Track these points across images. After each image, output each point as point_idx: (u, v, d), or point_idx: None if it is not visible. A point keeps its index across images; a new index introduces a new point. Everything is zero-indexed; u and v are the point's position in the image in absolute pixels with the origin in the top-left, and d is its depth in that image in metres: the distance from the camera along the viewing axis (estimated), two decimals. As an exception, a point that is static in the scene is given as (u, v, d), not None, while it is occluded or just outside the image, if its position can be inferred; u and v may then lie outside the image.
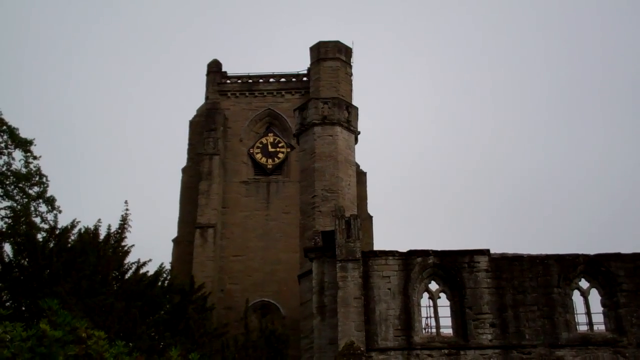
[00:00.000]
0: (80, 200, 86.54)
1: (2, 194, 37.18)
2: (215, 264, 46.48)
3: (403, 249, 27.06)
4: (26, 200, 37.24)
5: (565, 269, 26.64)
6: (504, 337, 25.64)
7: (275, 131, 52.66)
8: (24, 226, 30.98)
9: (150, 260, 31.65)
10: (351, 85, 46.24)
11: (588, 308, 26.67)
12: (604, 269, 26.62)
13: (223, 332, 33.32)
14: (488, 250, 27.01)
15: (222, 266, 47.79)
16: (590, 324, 26.41)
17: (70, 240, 30.06)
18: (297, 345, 32.77)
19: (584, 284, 26.99)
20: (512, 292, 26.28)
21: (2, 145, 37.53)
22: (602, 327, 26.29)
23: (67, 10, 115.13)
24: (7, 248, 29.53)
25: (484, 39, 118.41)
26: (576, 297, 26.75)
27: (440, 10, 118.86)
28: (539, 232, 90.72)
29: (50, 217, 37.07)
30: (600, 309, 26.56)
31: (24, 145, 37.85)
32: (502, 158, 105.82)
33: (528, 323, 25.83)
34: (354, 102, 38.79)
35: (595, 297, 26.81)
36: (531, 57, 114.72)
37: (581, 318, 26.48)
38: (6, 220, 35.60)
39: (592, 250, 26.98)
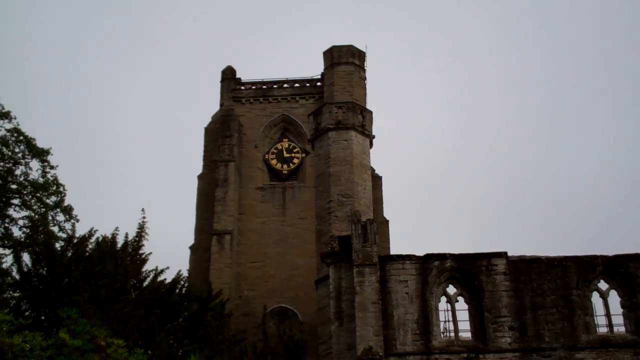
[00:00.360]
0: (98, 209, 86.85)
1: (20, 204, 37.40)
2: (232, 270, 46.52)
3: (420, 252, 27.08)
4: (44, 209, 37.42)
5: (584, 270, 26.50)
6: (523, 340, 25.52)
7: (290, 137, 52.68)
8: (42, 236, 31.11)
9: (167, 267, 31.67)
10: (365, 89, 46.20)
11: (607, 309, 26.51)
12: (623, 270, 26.45)
13: (241, 339, 33.28)
14: (506, 253, 26.91)
15: (239, 272, 47.82)
16: (610, 325, 26.24)
17: (88, 249, 30.14)
18: (316, 351, 32.71)
19: (603, 285, 26.84)
20: (531, 295, 26.16)
21: (19, 155, 37.75)
22: (622, 329, 26.11)
23: (83, 18, 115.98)
24: (26, 257, 29.66)
25: (496, 39, 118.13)
26: (595, 298, 26.62)
27: (454, 11, 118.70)
28: (556, 234, 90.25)
29: (68, 226, 37.23)
30: (620, 310, 26.37)
31: (41, 155, 38.04)
32: (518, 159, 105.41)
33: (547, 326, 25.69)
34: (368, 106, 38.76)
35: (614, 298, 26.64)
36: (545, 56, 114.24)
37: (601, 320, 26.35)
38: (24, 230, 35.81)
39: (610, 251, 26.85)
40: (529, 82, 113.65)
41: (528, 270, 26.60)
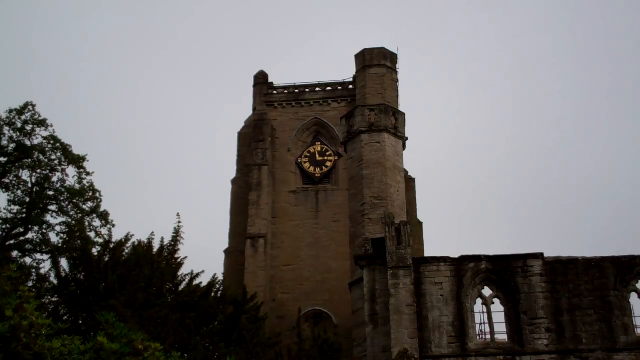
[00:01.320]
0: (134, 214, 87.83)
1: (57, 210, 37.97)
2: (266, 273, 46.71)
3: (455, 254, 26.92)
4: (80, 215, 37.91)
5: (622, 271, 26.15)
6: (561, 342, 25.25)
7: (323, 140, 52.75)
8: (79, 241, 31.54)
9: (203, 271, 31.93)
10: (397, 91, 46.14)
11: (646, 310, 26.12)
12: (662, 270, 26.05)
13: (276, 342, 33.42)
14: (542, 254, 26.64)
15: (274, 276, 47.98)
16: (649, 326, 25.86)
17: (124, 253, 30.49)
18: (351, 354, 32.71)
19: (641, 285, 26.46)
20: (568, 296, 25.87)
21: (56, 162, 38.34)
22: (662, 330, 25.71)
23: (117, 24, 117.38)
24: (64, 263, 30.15)
25: (527, 35, 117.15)
26: (634, 299, 26.24)
27: (486, 9, 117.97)
28: (592, 235, 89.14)
29: (104, 231, 37.68)
30: (659, 311, 25.99)
31: (77, 161, 38.57)
32: (553, 160, 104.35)
33: (585, 327, 25.38)
34: (401, 108, 38.71)
35: (653, 299, 26.26)
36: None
37: (639, 321, 25.95)
38: (62, 235, 36.36)
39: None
40: (551, 75, 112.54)
41: (565, 271, 26.32)
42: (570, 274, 26.27)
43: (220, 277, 34.98)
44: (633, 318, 25.81)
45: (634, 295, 26.26)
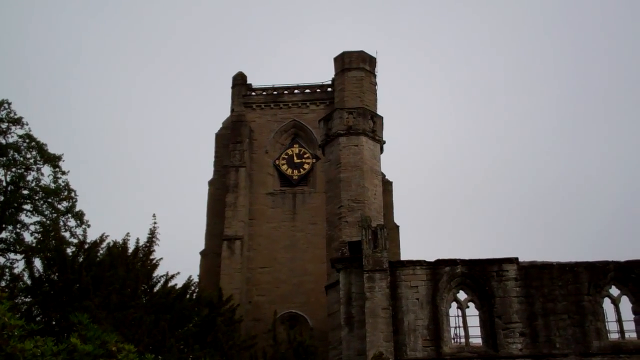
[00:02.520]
0: (109, 215, 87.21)
1: (31, 209, 37.63)
2: (242, 275, 46.59)
3: (430, 258, 27.00)
4: (55, 215, 37.63)
5: (596, 276, 26.37)
6: (534, 346, 25.41)
7: (301, 142, 52.77)
8: (53, 241, 31.25)
9: (178, 273, 31.75)
10: (376, 94, 46.25)
11: (619, 316, 26.36)
12: (635, 276, 26.31)
13: (252, 344, 33.35)
14: (517, 259, 26.81)
15: (250, 278, 47.87)
16: (621, 331, 26.09)
17: (99, 254, 30.25)
18: (326, 357, 32.71)
19: (614, 291, 26.69)
20: (542, 301, 26.05)
21: (31, 161, 38.01)
22: (634, 335, 25.94)
23: (90, 22, 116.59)
24: (37, 263, 29.82)
25: (503, 42, 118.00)
26: (607, 304, 26.46)
27: (462, 15, 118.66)
28: (566, 239, 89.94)
29: (79, 231, 37.45)
30: (632, 316, 26.22)
31: (53, 160, 38.28)
32: (529, 164, 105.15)
33: (558, 332, 25.57)
34: (379, 112, 38.82)
35: (626, 304, 26.49)
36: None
37: (612, 326, 26.19)
38: (36, 235, 36.04)
39: (622, 257, 26.70)
40: (537, 85, 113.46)
41: (539, 276, 26.50)
42: (545, 278, 26.45)
43: (196, 278, 34.81)
44: (606, 323, 26.02)
45: (607, 301, 26.49)
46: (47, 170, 38.33)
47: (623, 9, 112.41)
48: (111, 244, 30.97)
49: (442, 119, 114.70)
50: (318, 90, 53.88)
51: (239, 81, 54.60)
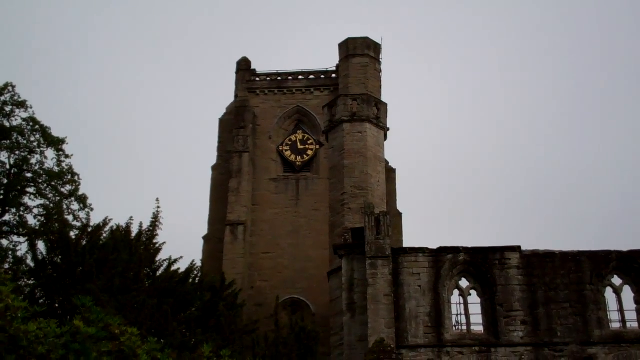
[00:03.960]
0: (112, 198, 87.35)
1: (35, 192, 37.69)
2: (245, 261, 46.67)
3: (433, 245, 26.99)
4: (59, 198, 37.69)
5: (598, 265, 26.36)
6: (536, 334, 25.45)
7: (305, 128, 52.69)
8: (56, 224, 31.32)
9: (181, 257, 31.85)
10: (380, 81, 45.98)
11: (621, 305, 26.37)
12: (637, 266, 26.30)
13: (253, 329, 33.42)
14: (519, 247, 26.80)
15: (252, 263, 47.96)
16: (623, 321, 26.10)
17: (102, 238, 30.33)
18: (327, 342, 32.83)
19: (616, 280, 26.70)
20: (544, 289, 26.06)
21: (35, 144, 38.03)
22: (636, 325, 25.96)
23: (97, 10, 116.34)
24: (41, 246, 29.92)
25: (513, 30, 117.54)
26: (609, 294, 26.47)
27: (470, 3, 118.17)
28: (570, 228, 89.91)
29: (82, 215, 37.55)
30: (634, 305, 26.23)
31: (56, 144, 38.29)
32: (535, 152, 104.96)
33: (560, 320, 25.59)
34: (383, 98, 38.65)
35: (628, 294, 26.50)
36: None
37: (614, 315, 26.21)
38: (39, 218, 36.12)
39: (625, 247, 26.69)
40: (537, 73, 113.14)
41: (541, 265, 26.49)
42: (547, 267, 26.44)
43: (199, 263, 34.95)
44: (608, 312, 26.04)
45: (609, 290, 26.50)
46: (50, 153, 38.41)
47: (620, 7, 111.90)
48: (114, 227, 31.06)
49: (447, 106, 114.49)
50: (322, 76, 53.74)
51: (243, 66, 54.46)
